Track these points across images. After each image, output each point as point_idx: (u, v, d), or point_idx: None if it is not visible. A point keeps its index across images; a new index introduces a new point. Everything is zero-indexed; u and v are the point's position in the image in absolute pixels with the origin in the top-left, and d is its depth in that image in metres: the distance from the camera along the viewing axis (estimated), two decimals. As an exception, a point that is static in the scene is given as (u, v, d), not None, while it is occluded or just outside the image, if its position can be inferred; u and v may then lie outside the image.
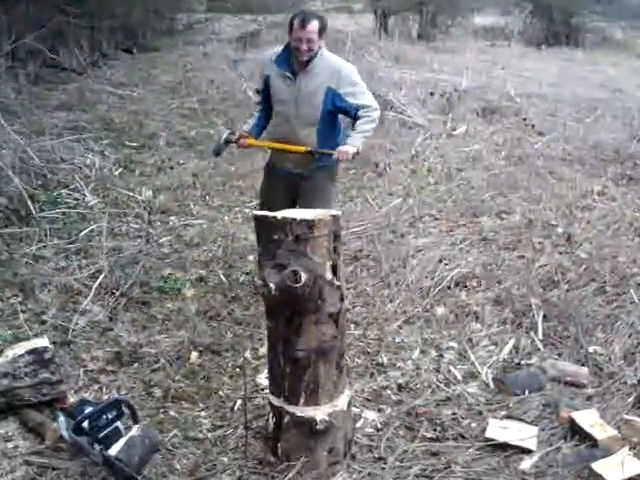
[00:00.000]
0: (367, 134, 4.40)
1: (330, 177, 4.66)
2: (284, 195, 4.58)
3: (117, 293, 4.80)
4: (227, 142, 4.68)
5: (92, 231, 5.71)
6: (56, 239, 5.56)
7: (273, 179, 4.73)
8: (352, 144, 4.32)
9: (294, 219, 2.89)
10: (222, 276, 5.21)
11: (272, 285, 2.89)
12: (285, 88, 4.38)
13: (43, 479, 3.12)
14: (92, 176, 6.87)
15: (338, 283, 3.06)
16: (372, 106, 4.39)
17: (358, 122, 4.37)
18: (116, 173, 7.26)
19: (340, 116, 4.55)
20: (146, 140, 8.51)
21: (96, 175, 6.91)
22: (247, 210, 6.59)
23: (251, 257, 5.36)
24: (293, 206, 4.37)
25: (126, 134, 8.68)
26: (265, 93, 4.55)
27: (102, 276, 4.94)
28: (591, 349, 4.22)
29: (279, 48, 4.48)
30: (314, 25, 4.18)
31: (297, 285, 2.86)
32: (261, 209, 4.67)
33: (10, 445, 3.35)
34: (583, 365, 4.06)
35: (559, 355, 4.22)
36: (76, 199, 6.34)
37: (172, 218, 6.34)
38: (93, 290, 4.79)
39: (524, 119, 9.67)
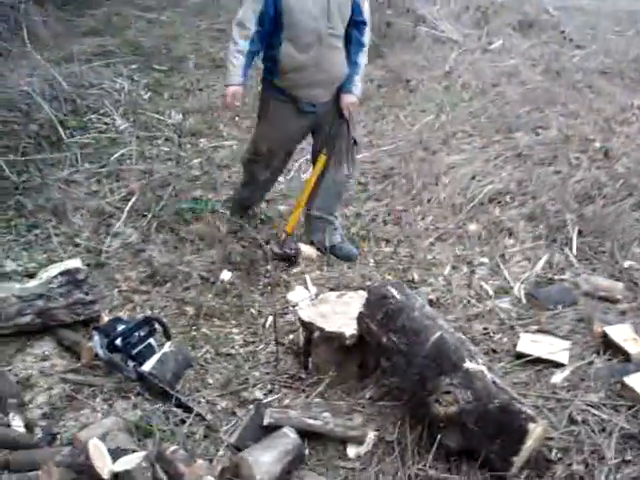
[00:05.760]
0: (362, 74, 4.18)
1: None
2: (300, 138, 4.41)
3: (149, 215, 4.83)
4: None
5: (123, 155, 5.71)
6: (87, 164, 5.56)
7: (291, 114, 4.16)
8: (357, 95, 4.16)
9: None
10: (252, 196, 5.19)
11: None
12: None
13: (79, 396, 3.20)
14: (122, 100, 6.81)
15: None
16: (368, 22, 4.07)
17: (360, 52, 4.09)
18: (145, 97, 7.19)
19: None
20: (175, 63, 8.39)
21: (125, 99, 6.85)
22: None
23: (280, 177, 5.32)
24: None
25: (155, 58, 8.54)
26: (270, 15, 3.92)
27: (134, 199, 4.98)
28: (626, 264, 4.15)
29: None
30: None
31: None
32: (259, 160, 4.43)
33: (47, 364, 3.43)
34: (618, 280, 3.99)
35: (593, 270, 4.15)
36: (106, 124, 6.31)
37: (202, 140, 6.31)
38: (125, 213, 4.85)
39: (562, 32, 9.31)
